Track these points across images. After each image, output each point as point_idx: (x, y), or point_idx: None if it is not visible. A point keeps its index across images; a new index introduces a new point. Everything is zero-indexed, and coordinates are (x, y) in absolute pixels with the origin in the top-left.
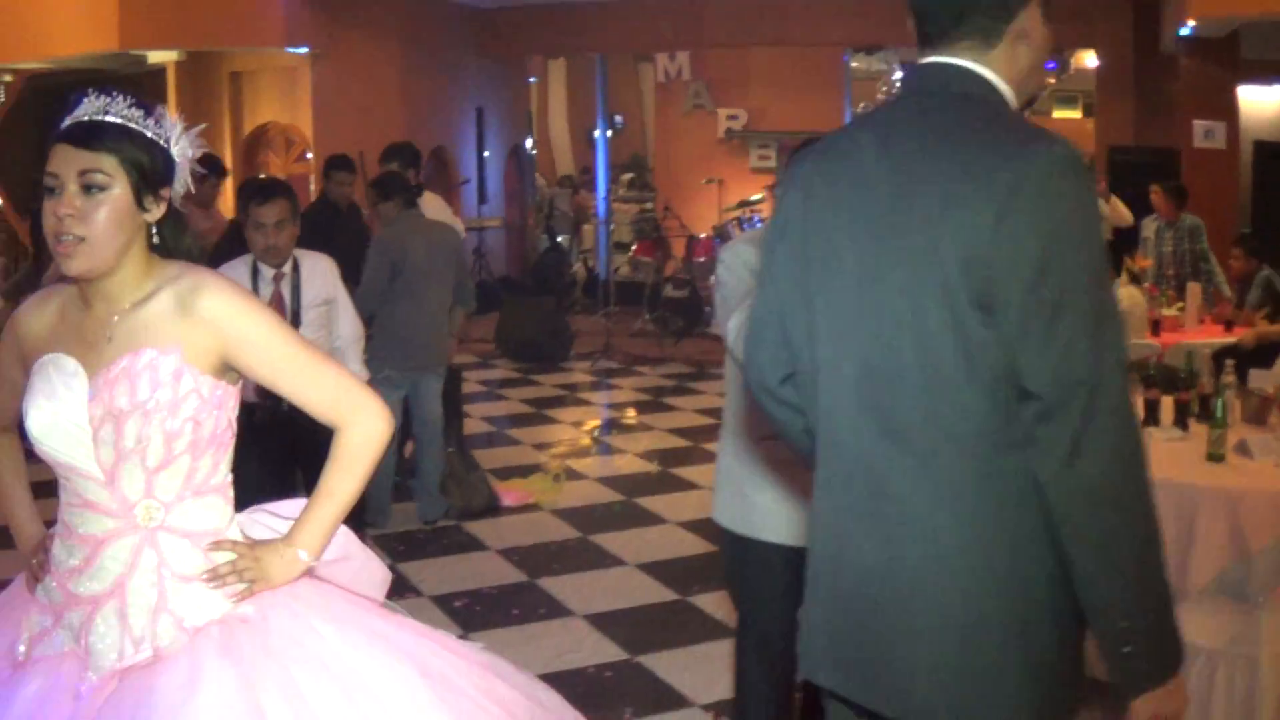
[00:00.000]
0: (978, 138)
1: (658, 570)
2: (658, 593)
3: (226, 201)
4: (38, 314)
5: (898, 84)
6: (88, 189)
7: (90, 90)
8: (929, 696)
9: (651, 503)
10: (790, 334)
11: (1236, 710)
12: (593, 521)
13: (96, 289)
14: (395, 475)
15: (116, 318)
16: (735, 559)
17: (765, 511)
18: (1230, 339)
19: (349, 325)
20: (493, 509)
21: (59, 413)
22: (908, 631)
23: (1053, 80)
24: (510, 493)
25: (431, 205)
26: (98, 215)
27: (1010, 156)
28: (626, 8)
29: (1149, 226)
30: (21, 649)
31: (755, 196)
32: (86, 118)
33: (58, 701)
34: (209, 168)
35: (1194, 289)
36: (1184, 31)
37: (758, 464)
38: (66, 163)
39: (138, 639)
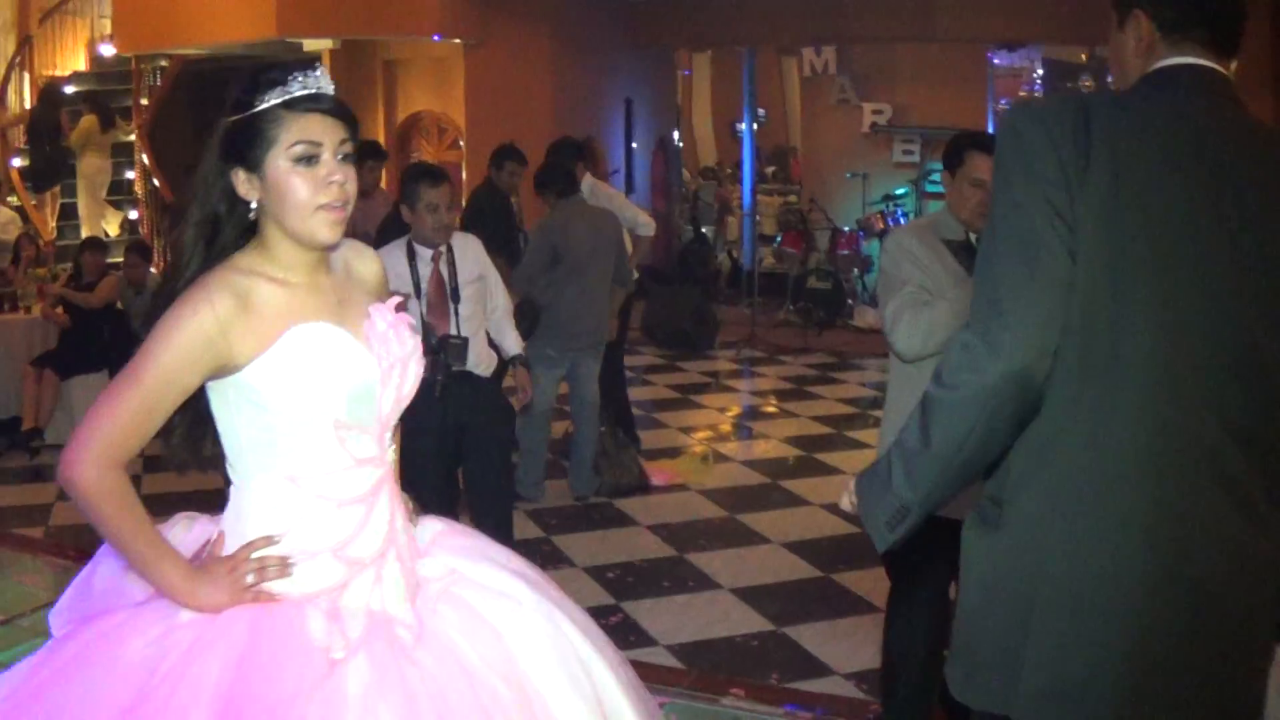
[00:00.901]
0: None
1: (802, 549)
2: (803, 569)
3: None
4: (234, 300)
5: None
6: (344, 158)
7: (302, 65)
8: None
9: (795, 485)
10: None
11: None
12: (739, 501)
13: (320, 258)
14: (548, 452)
15: (335, 282)
16: None
17: None
18: None
19: (502, 298)
20: (642, 487)
21: (355, 374)
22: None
23: None
24: (660, 472)
25: (601, 193)
26: (351, 184)
27: None
28: (774, 3)
29: None
30: (339, 650)
31: (899, 190)
32: (330, 90)
33: (401, 675)
34: (371, 153)
35: None
36: None
37: None
38: (327, 132)
39: (412, 577)
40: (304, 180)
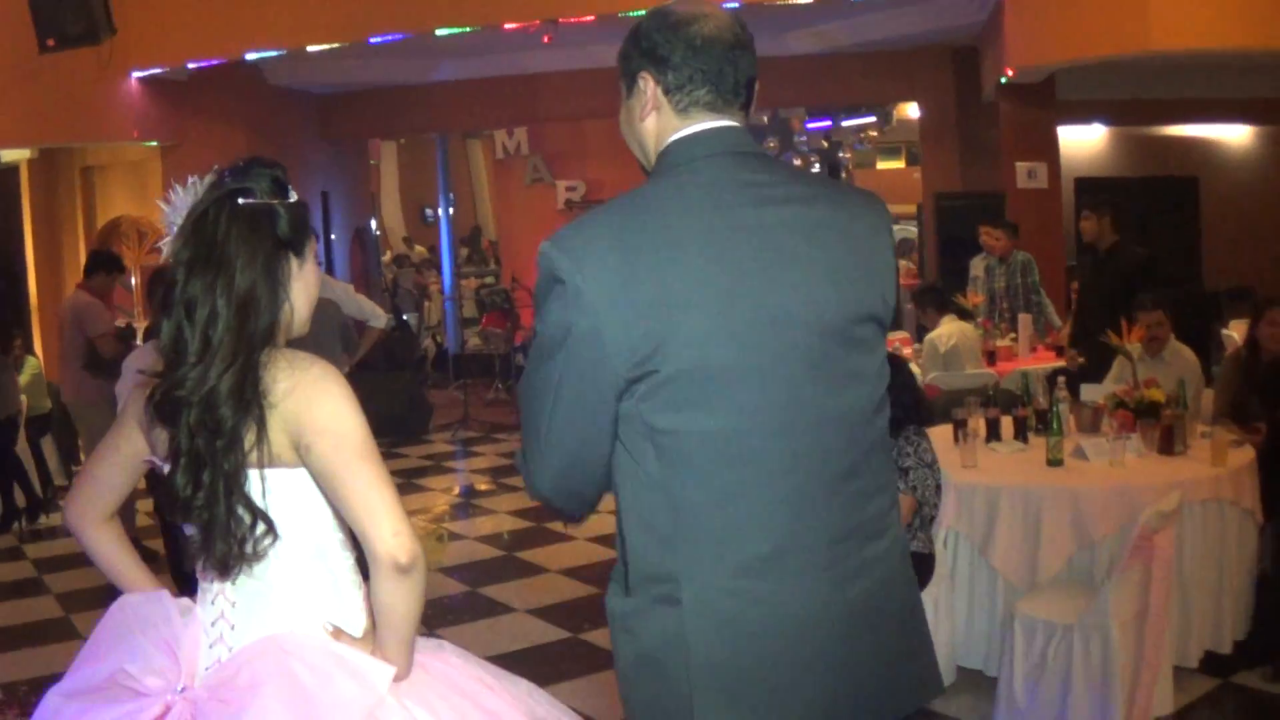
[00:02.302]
0: None
1: (547, 614)
2: (552, 633)
3: None
4: None
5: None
6: None
7: None
8: None
9: (530, 555)
10: None
11: (1095, 672)
12: (479, 575)
13: None
14: None
15: None
16: None
17: None
18: (1061, 363)
19: None
20: None
21: None
22: None
23: (876, 133)
24: None
25: (329, 286)
26: None
27: None
28: (462, 88)
29: (978, 265)
30: None
31: None
32: None
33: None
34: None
35: (1025, 320)
36: (1004, 79)
37: None
38: None
39: None
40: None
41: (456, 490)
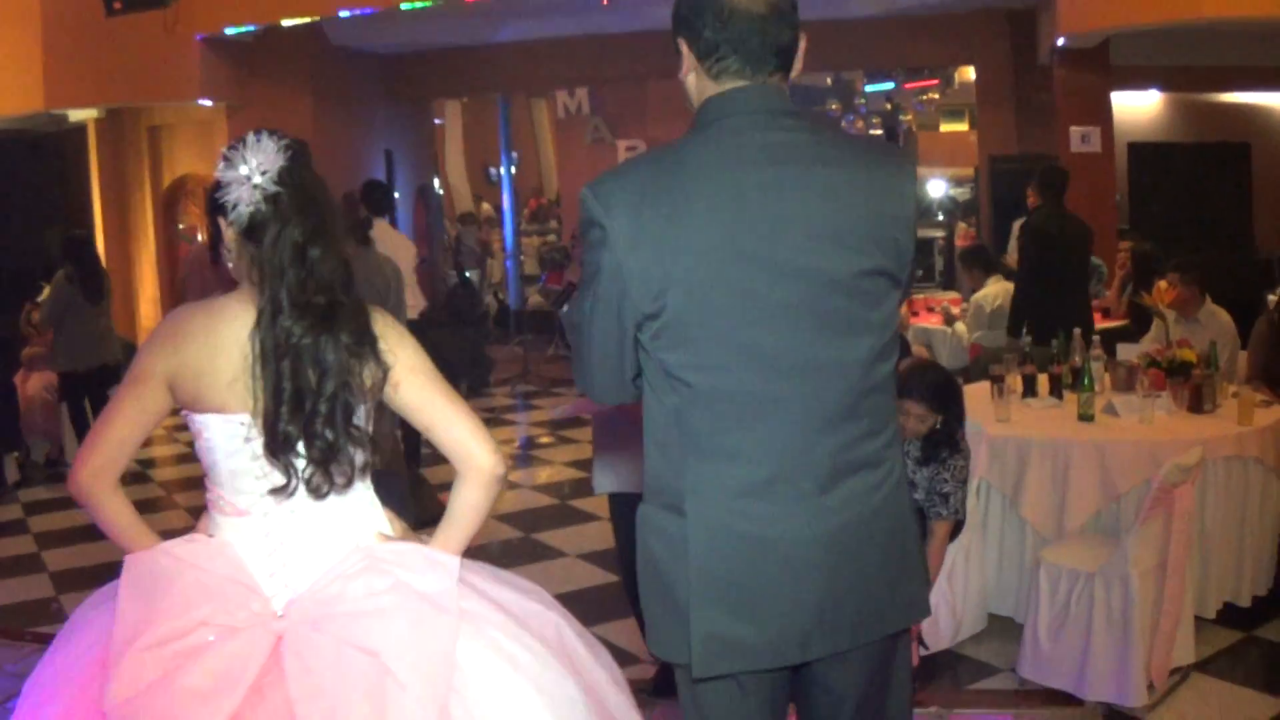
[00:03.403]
0: None
1: (596, 558)
2: (600, 576)
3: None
4: None
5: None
6: None
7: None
8: None
9: (583, 504)
10: None
11: (1116, 619)
12: (533, 522)
13: None
14: None
15: None
16: None
17: None
18: (1110, 324)
19: None
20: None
21: None
22: None
23: (937, 96)
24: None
25: (385, 236)
26: None
27: None
28: (526, 48)
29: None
30: None
31: None
32: None
33: None
34: None
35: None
36: (1058, 43)
37: None
38: None
39: None
40: None
41: (516, 442)
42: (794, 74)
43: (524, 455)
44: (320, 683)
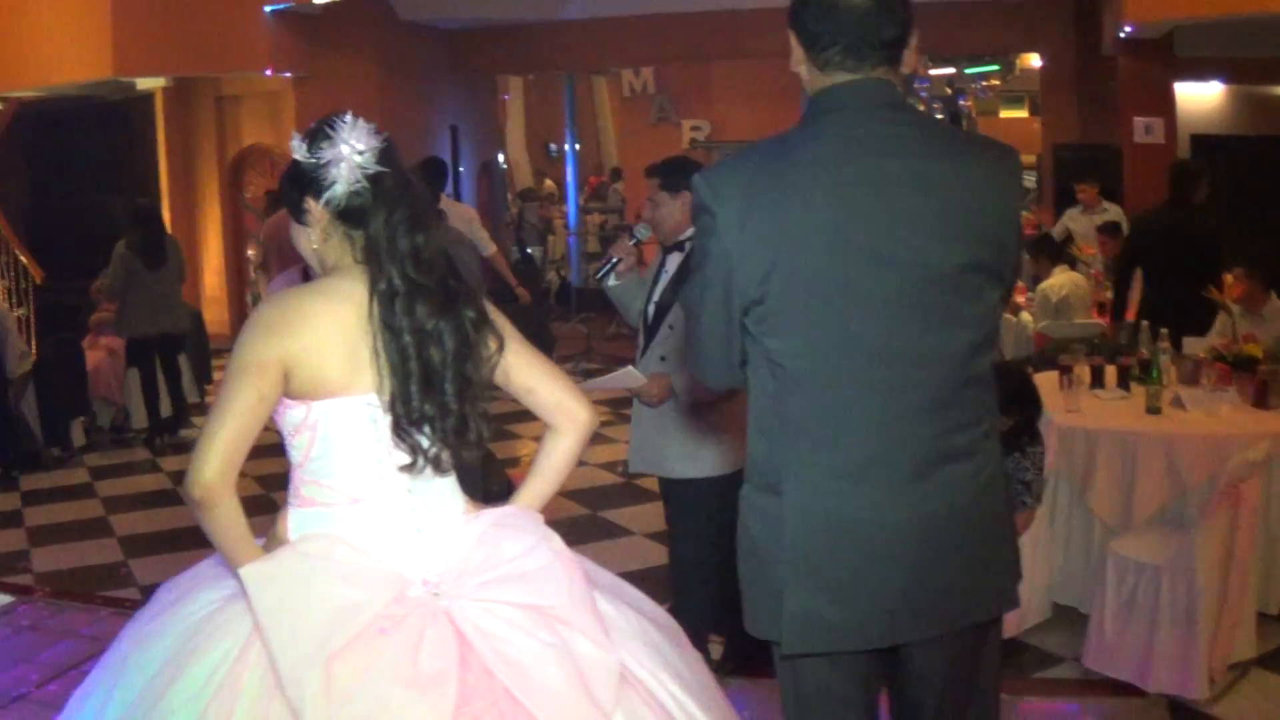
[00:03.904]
0: None
1: (662, 538)
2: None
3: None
4: None
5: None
6: None
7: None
8: None
9: (648, 483)
10: None
11: (1181, 612)
12: (599, 500)
13: None
14: None
15: None
16: None
17: None
18: None
19: None
20: (508, 492)
21: None
22: None
23: (998, 81)
24: (522, 477)
25: (455, 211)
26: None
27: None
28: (591, 26)
29: (1076, 219)
30: None
31: None
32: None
33: None
34: None
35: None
36: (1123, 33)
37: None
38: None
39: None
40: None
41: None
42: (907, 68)
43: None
44: (506, 650)
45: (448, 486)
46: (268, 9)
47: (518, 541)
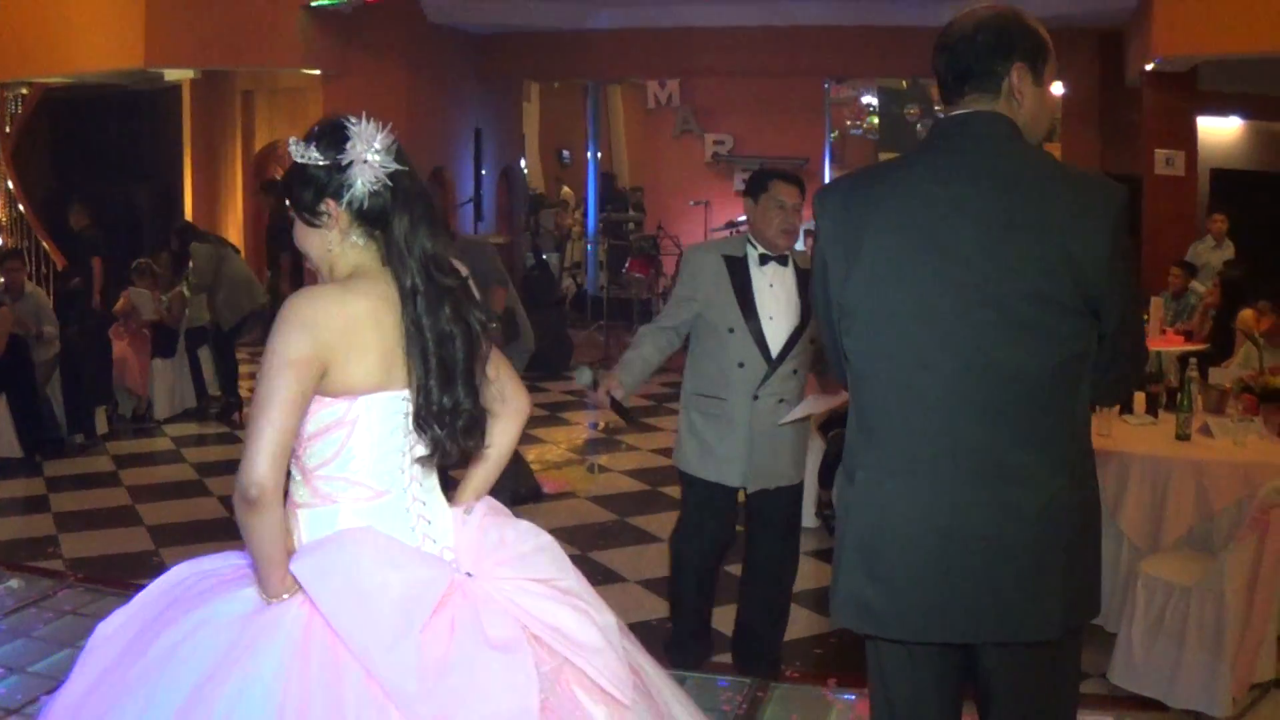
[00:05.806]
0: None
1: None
2: None
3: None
4: None
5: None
6: None
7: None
8: None
9: (673, 490)
10: None
11: (1208, 633)
12: (627, 506)
13: None
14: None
15: None
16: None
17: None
18: (1191, 347)
19: None
20: (536, 495)
21: None
22: None
23: None
24: (549, 482)
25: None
26: None
27: None
28: (617, 37)
29: None
30: None
31: (740, 217)
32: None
33: None
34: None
35: (1155, 303)
36: (1149, 67)
37: None
38: None
39: None
40: None
41: (600, 425)
42: (1023, 106)
43: (608, 440)
44: (547, 618)
45: (436, 481)
46: (301, 5)
47: (513, 527)
